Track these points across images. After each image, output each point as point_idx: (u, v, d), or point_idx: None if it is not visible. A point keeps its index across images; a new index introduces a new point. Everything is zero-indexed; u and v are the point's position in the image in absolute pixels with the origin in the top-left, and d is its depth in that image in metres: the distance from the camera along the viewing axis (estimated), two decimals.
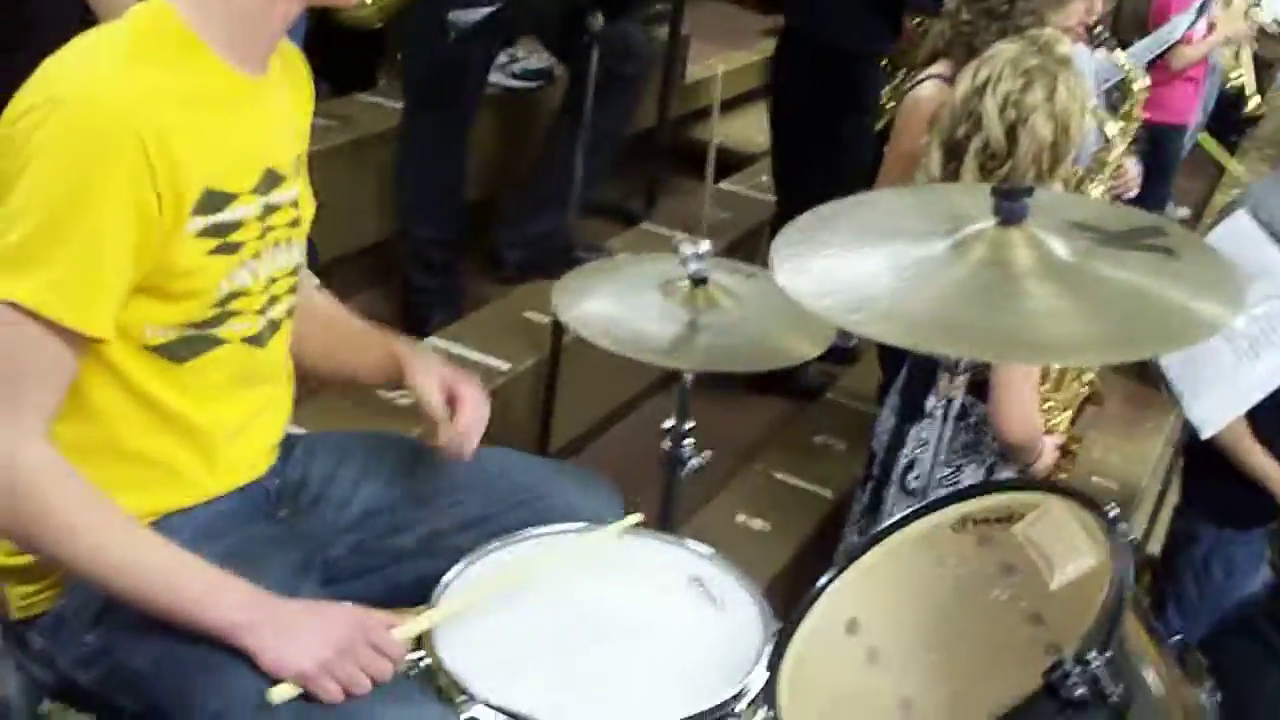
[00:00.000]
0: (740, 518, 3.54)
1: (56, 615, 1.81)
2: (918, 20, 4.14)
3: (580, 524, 2.05)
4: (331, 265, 3.84)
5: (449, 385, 2.07)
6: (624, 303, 2.32)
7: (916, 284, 1.81)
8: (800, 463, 3.87)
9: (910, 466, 2.84)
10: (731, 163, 5.53)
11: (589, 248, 4.15)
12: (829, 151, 4.08)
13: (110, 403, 1.75)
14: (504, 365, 3.60)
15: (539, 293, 3.81)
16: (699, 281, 2.31)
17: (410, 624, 1.76)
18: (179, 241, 1.69)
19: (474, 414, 2.06)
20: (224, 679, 1.68)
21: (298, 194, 1.92)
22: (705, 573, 2.01)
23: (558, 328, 3.56)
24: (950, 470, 2.79)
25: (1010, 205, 1.86)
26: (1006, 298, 1.78)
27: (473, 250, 4.20)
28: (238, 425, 1.89)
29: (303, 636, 1.66)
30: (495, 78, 4.30)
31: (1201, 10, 5.15)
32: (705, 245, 2.33)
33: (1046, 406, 2.94)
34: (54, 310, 1.60)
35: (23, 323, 1.59)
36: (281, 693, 1.64)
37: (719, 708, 1.75)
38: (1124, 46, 3.57)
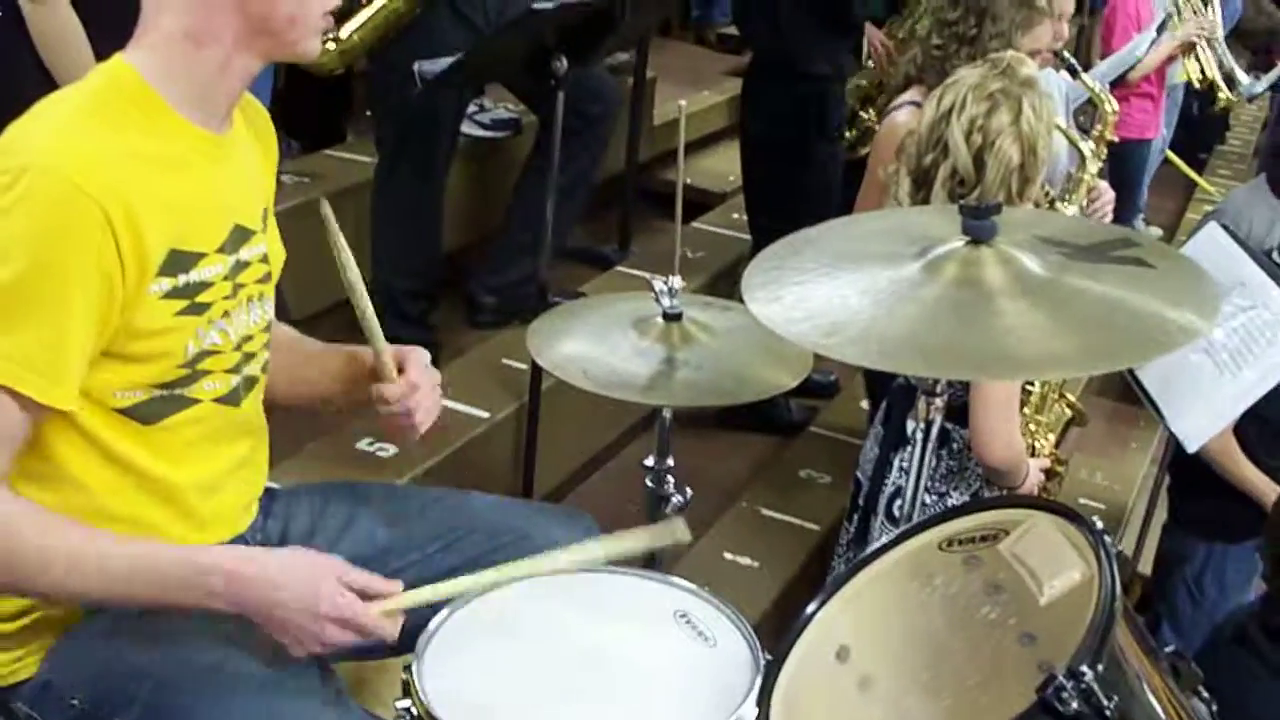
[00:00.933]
0: (728, 555, 3.52)
1: (41, 681, 1.79)
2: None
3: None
4: (307, 321, 3.83)
5: (399, 356, 2.09)
6: (599, 342, 2.32)
7: (889, 306, 1.80)
8: (786, 498, 3.86)
9: (896, 495, 2.82)
10: (703, 202, 5.56)
11: (564, 293, 4.14)
12: (799, 178, 4.11)
13: (83, 467, 1.74)
14: (484, 414, 3.59)
15: (516, 340, 3.80)
16: (673, 318, 2.30)
17: (392, 601, 1.79)
18: (143, 304, 1.68)
19: (420, 371, 2.07)
20: None
21: (266, 249, 1.91)
22: (692, 607, 1.99)
23: (536, 374, 3.56)
24: (935, 498, 2.78)
25: (978, 223, 1.86)
26: (981, 316, 1.77)
27: (448, 300, 4.20)
28: (214, 483, 1.88)
29: (295, 633, 1.70)
30: (465, 127, 4.30)
31: (1161, 28, 5.20)
32: (677, 281, 2.32)
33: (1030, 429, 2.94)
34: (15, 380, 1.59)
35: None
36: None
37: None
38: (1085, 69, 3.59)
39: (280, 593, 1.69)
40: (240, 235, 1.82)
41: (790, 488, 3.94)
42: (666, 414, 2.34)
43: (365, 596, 1.74)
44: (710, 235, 5.17)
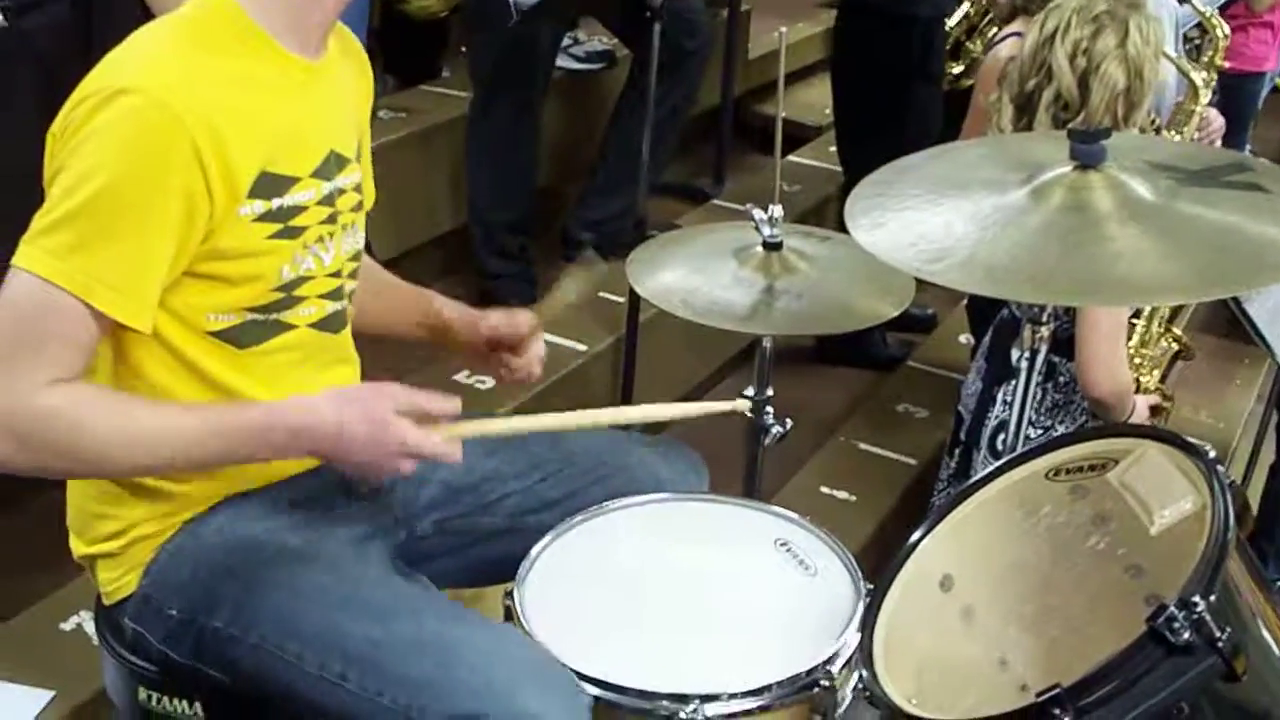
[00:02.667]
0: (825, 489, 3.51)
1: (142, 593, 1.82)
2: None
3: (664, 494, 2.04)
4: (404, 258, 3.85)
5: (513, 321, 2.13)
6: (699, 272, 2.29)
7: (996, 232, 1.77)
8: (883, 432, 3.83)
9: (999, 429, 2.79)
10: (799, 135, 5.49)
11: (661, 227, 4.13)
12: (894, 120, 4.02)
13: (177, 390, 1.75)
14: (582, 347, 3.60)
15: (613, 273, 3.79)
16: (773, 247, 2.28)
17: (462, 425, 1.79)
18: (234, 226, 1.68)
19: (539, 341, 2.15)
20: (297, 626, 1.71)
21: (360, 177, 1.91)
22: (792, 536, 1.99)
23: (634, 306, 3.55)
24: (1040, 431, 2.74)
25: (1087, 148, 1.82)
26: (1089, 241, 1.73)
27: (544, 234, 4.19)
28: None
29: (368, 466, 1.71)
30: (560, 61, 4.28)
31: None
32: (778, 210, 2.30)
33: (1135, 364, 2.89)
34: (86, 292, 1.59)
35: (53, 293, 1.59)
36: None
37: (813, 671, 1.73)
38: None
39: (342, 439, 1.68)
40: (335, 162, 1.82)
41: (887, 422, 3.91)
42: (766, 344, 2.31)
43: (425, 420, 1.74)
44: (806, 169, 5.12)
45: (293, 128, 1.76)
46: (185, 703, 1.85)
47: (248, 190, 1.68)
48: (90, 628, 2.33)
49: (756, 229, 2.30)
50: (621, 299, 3.65)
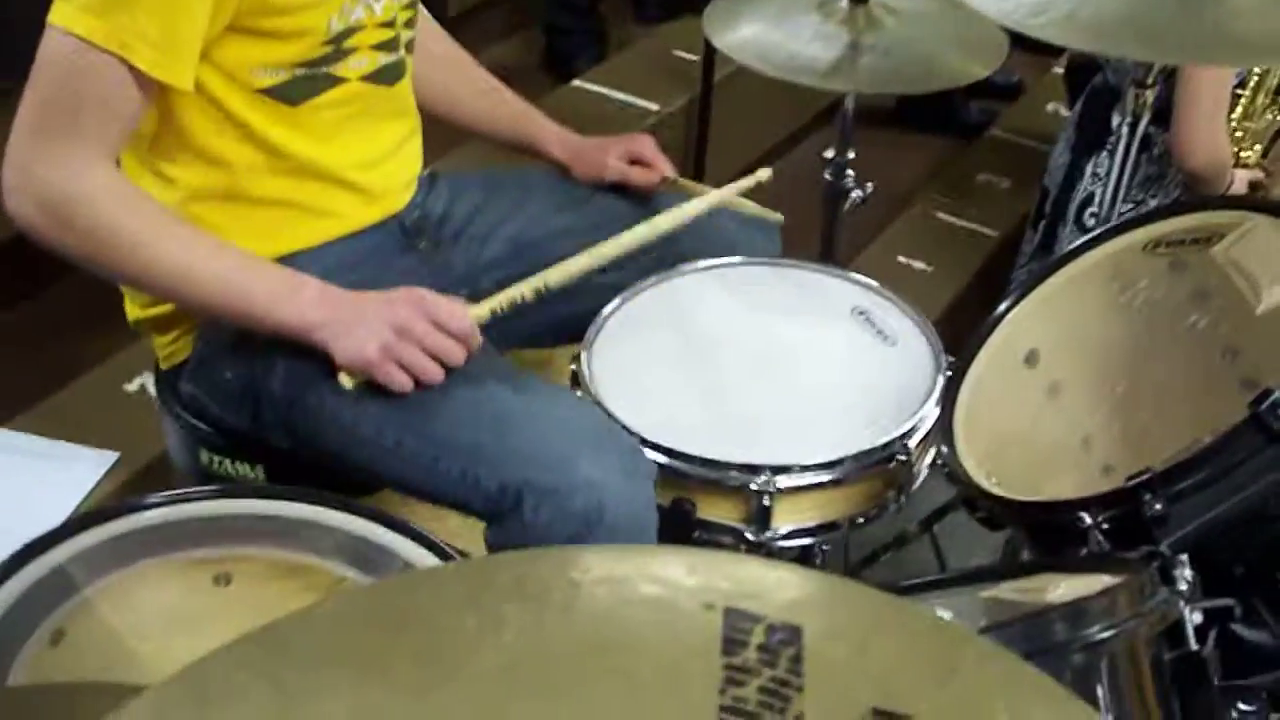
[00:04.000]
0: (901, 258, 3.41)
1: (197, 358, 1.78)
2: None
3: (739, 258, 1.96)
4: (469, 13, 3.73)
5: (626, 151, 2.05)
6: (779, 26, 2.16)
7: None
8: (963, 202, 3.70)
9: (1086, 202, 2.68)
10: None
11: None
12: None
13: (227, 149, 1.68)
14: (654, 106, 3.49)
15: (686, 30, 3.67)
16: (859, 1, 2.15)
17: (484, 302, 1.67)
18: None
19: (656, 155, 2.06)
20: (358, 396, 1.65)
21: None
22: (871, 305, 1.91)
23: (709, 63, 3.42)
24: (1131, 206, 2.62)
25: None
26: None
27: None
28: (367, 162, 1.82)
29: (365, 325, 1.59)
30: None
31: None
32: None
33: (1237, 136, 2.75)
34: (125, 49, 1.51)
35: (89, 54, 1.50)
36: (347, 379, 1.61)
37: (889, 444, 1.67)
38: None
39: (363, 300, 1.62)
40: None
41: (968, 192, 3.78)
42: (849, 103, 2.20)
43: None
44: None
45: None
46: (247, 465, 1.82)
47: None
48: (153, 389, 2.31)
49: None
50: (695, 56, 3.52)
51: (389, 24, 1.76)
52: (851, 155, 2.23)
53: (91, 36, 1.49)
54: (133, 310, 1.83)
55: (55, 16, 1.51)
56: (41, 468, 2.28)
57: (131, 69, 1.52)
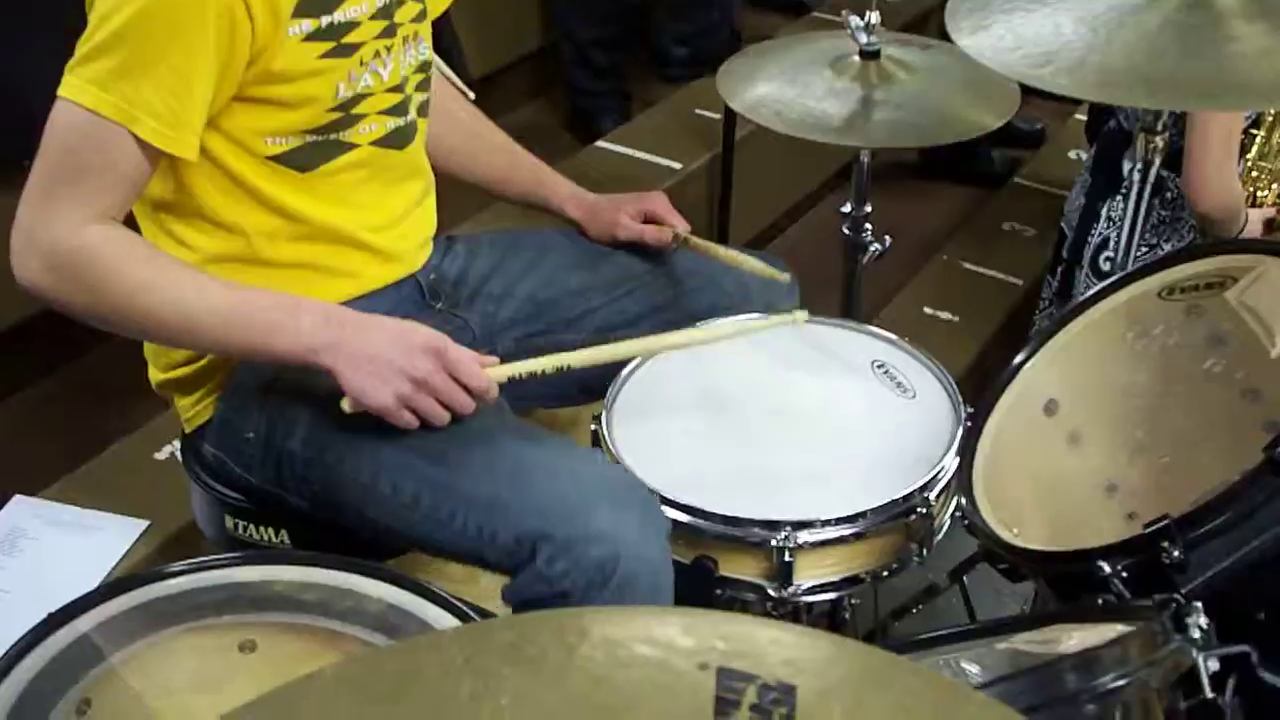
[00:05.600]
0: (927, 309, 3.41)
1: (220, 418, 1.80)
2: None
3: (755, 315, 1.97)
4: (493, 75, 3.76)
5: (640, 210, 2.06)
6: (793, 84, 2.18)
7: (1108, 33, 1.65)
8: (988, 250, 3.71)
9: (1103, 246, 2.68)
10: None
11: (759, 40, 3.99)
12: None
13: (240, 214, 1.71)
14: (677, 165, 3.50)
15: (708, 89, 3.67)
16: (870, 55, 2.16)
17: (505, 366, 1.66)
18: (283, 47, 1.61)
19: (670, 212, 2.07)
20: (370, 446, 1.66)
21: None
22: (891, 358, 1.91)
23: (730, 122, 3.45)
24: (1145, 250, 2.63)
25: None
26: (1210, 42, 1.61)
27: (637, 50, 4.07)
28: (381, 224, 1.84)
29: (380, 369, 1.58)
30: None
31: None
32: (875, 16, 2.18)
33: (1251, 176, 2.75)
34: (130, 121, 1.55)
35: (96, 124, 1.54)
36: (349, 405, 1.60)
37: (909, 497, 1.67)
38: None
39: (373, 327, 1.61)
40: None
41: (993, 240, 3.78)
42: (864, 157, 2.21)
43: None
44: None
45: None
46: (271, 530, 1.84)
47: (293, 9, 1.60)
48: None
49: (852, 36, 2.19)
50: (717, 115, 3.55)
51: (398, 88, 1.78)
52: (869, 209, 2.24)
53: (98, 108, 1.54)
54: (155, 374, 1.86)
55: (64, 89, 1.55)
56: (71, 537, 2.30)
57: (136, 138, 1.55)
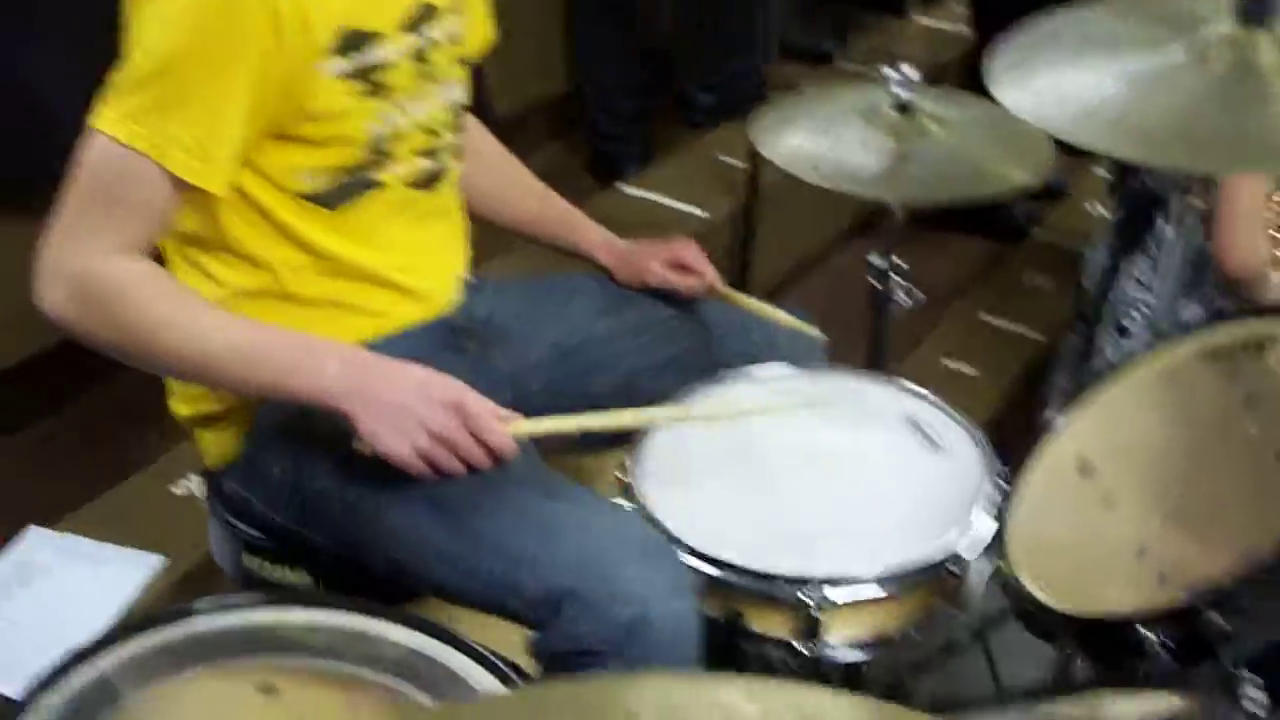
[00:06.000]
0: (947, 362, 3.40)
1: (246, 456, 1.79)
2: None
3: (782, 365, 1.95)
4: (515, 119, 3.76)
5: (670, 257, 2.05)
6: (827, 135, 2.17)
7: (1150, 94, 1.64)
8: (1009, 304, 3.70)
9: (1126, 304, 2.67)
10: None
11: (783, 88, 4.00)
12: None
13: (268, 250, 1.71)
14: (700, 212, 3.50)
15: (731, 137, 3.69)
16: (904, 109, 2.15)
17: (527, 423, 1.64)
18: (316, 86, 1.61)
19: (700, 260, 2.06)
20: (396, 490, 1.64)
21: (458, 28, 1.82)
22: (920, 412, 1.89)
23: (755, 171, 3.44)
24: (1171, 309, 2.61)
25: (1255, 3, 1.68)
26: (1255, 104, 1.60)
27: (661, 95, 4.07)
28: (409, 263, 1.83)
29: (400, 419, 1.56)
30: None
31: None
32: (912, 70, 2.16)
33: (1277, 239, 2.74)
34: (160, 155, 1.55)
35: (127, 157, 1.55)
36: (364, 446, 1.59)
37: (943, 557, 1.65)
38: None
39: (394, 374, 1.60)
40: (425, 12, 1.73)
41: (1014, 294, 3.77)
42: (896, 210, 2.20)
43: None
44: (930, 31, 4.94)
45: None
46: (288, 569, 1.82)
47: (328, 48, 1.60)
48: (200, 491, 2.32)
49: (888, 90, 2.18)
50: (741, 163, 3.54)
51: (431, 130, 1.78)
52: (898, 261, 2.22)
53: (131, 141, 1.54)
54: (178, 408, 1.84)
55: (98, 120, 1.56)
56: (86, 570, 2.29)
57: (167, 173, 1.55)
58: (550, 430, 1.67)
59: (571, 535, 1.61)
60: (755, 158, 3.34)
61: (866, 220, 3.79)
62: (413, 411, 1.57)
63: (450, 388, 1.60)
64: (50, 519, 2.38)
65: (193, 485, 2.47)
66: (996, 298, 3.75)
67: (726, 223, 3.53)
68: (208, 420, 1.81)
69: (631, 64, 3.86)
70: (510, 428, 1.61)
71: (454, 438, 1.57)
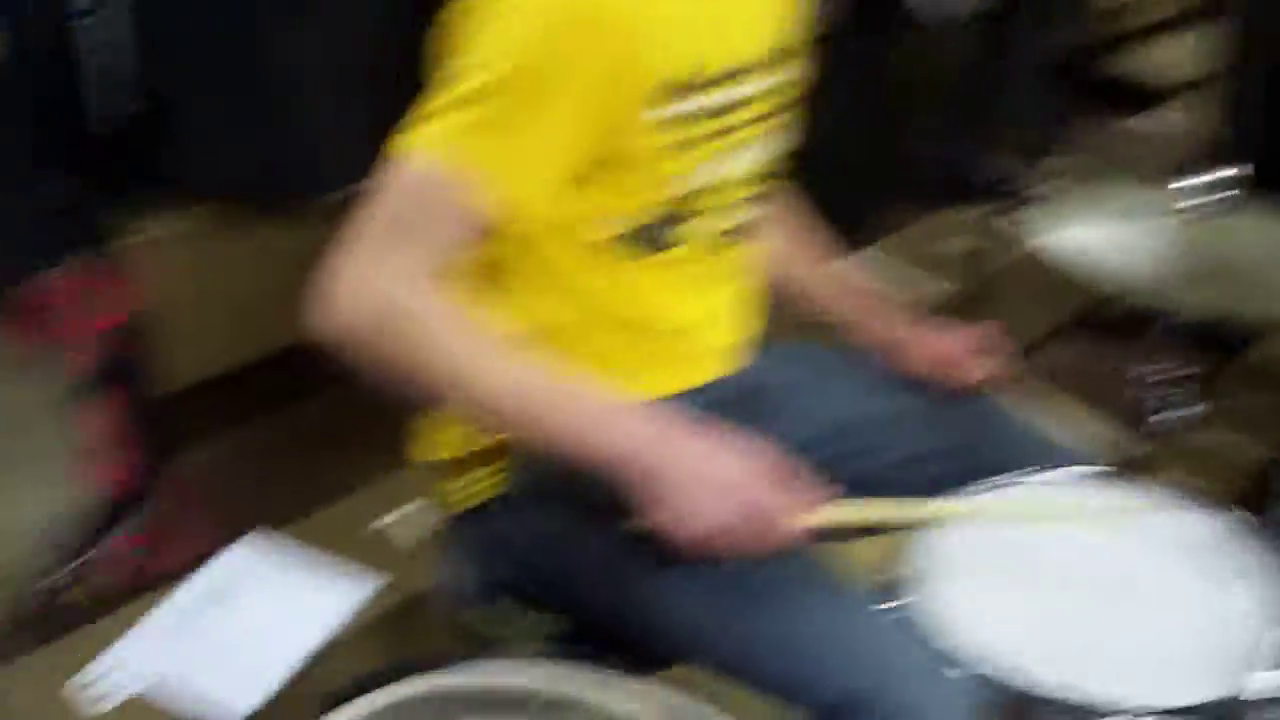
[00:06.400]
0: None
1: (504, 501, 1.74)
2: None
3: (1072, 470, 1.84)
4: None
5: (953, 346, 1.95)
6: (1108, 233, 2.09)
7: None
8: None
9: None
10: (1136, 98, 5.16)
11: (1000, 179, 3.93)
12: None
13: (538, 302, 1.68)
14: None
15: (958, 219, 3.60)
16: (1203, 215, 2.05)
17: (825, 512, 1.53)
18: (635, 130, 1.57)
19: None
20: (659, 594, 1.61)
21: (776, 83, 1.75)
22: (1210, 540, 1.77)
23: (974, 256, 3.36)
24: None
25: None
26: None
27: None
28: (686, 326, 1.78)
29: (697, 506, 1.46)
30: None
31: None
32: (1207, 179, 2.07)
33: None
34: (492, 182, 1.50)
35: (451, 179, 1.50)
36: (641, 521, 1.48)
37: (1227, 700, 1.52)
38: None
39: (707, 444, 1.49)
40: (748, 68, 1.67)
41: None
42: (1181, 322, 2.10)
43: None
44: (1139, 135, 4.83)
45: (704, 28, 1.61)
46: (523, 618, 1.78)
47: (657, 95, 1.56)
48: (420, 522, 2.30)
49: (1176, 196, 2.09)
50: (967, 245, 3.46)
51: (738, 190, 1.73)
52: (1182, 373, 2.12)
53: (455, 161, 1.50)
54: (431, 452, 1.80)
55: (418, 138, 1.51)
56: (304, 580, 2.28)
57: (487, 196, 1.51)
58: (846, 521, 1.57)
59: (854, 647, 1.54)
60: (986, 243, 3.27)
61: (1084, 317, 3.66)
62: (712, 498, 1.47)
63: (757, 495, 1.49)
64: (272, 525, 2.37)
65: (401, 516, 2.43)
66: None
67: (946, 306, 3.45)
68: (461, 465, 1.76)
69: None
70: (826, 511, 1.53)
71: (747, 536, 1.48)
